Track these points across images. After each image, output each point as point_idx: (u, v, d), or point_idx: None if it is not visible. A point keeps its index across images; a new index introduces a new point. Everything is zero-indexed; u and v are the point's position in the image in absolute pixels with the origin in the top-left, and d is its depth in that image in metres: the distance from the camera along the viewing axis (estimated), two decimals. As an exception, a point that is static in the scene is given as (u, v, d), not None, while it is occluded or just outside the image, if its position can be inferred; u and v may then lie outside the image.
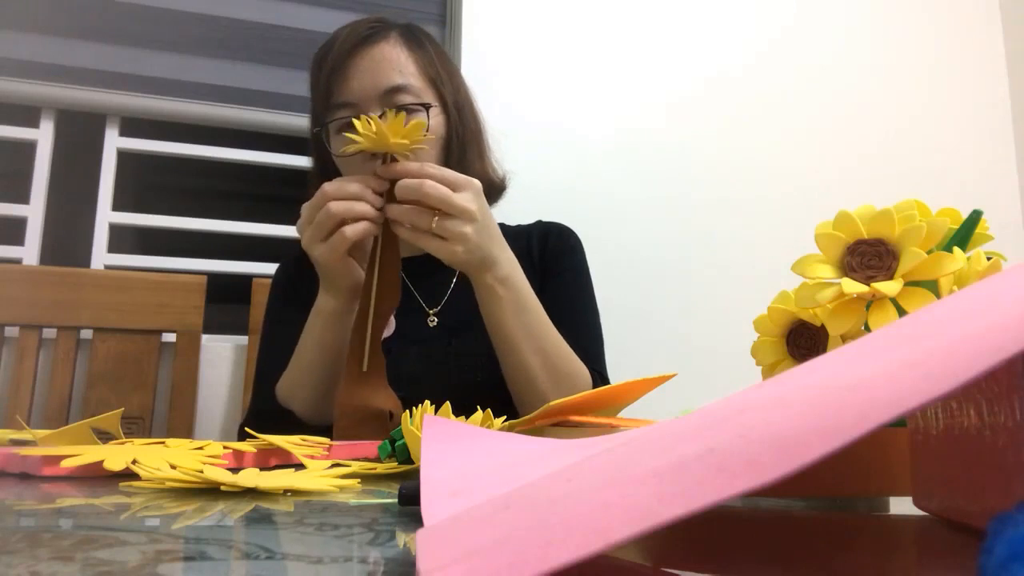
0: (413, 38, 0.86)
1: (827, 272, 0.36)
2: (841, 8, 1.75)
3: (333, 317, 0.72)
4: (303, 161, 0.95)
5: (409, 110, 0.82)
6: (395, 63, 0.82)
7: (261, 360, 0.91)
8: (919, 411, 0.23)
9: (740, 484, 0.11)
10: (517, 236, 0.91)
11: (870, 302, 0.35)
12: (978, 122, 1.80)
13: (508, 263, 0.72)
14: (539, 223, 0.98)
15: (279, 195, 1.50)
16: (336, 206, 0.66)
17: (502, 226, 0.94)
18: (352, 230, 0.66)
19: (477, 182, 0.69)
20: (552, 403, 0.45)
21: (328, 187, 0.67)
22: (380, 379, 0.68)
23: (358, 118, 0.80)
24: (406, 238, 0.67)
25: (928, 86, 1.78)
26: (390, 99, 0.81)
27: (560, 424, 0.44)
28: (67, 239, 1.36)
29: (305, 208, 0.69)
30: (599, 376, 0.82)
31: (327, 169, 0.88)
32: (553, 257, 0.92)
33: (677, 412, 0.29)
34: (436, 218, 0.65)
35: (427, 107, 0.81)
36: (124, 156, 1.34)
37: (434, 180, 0.66)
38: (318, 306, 0.74)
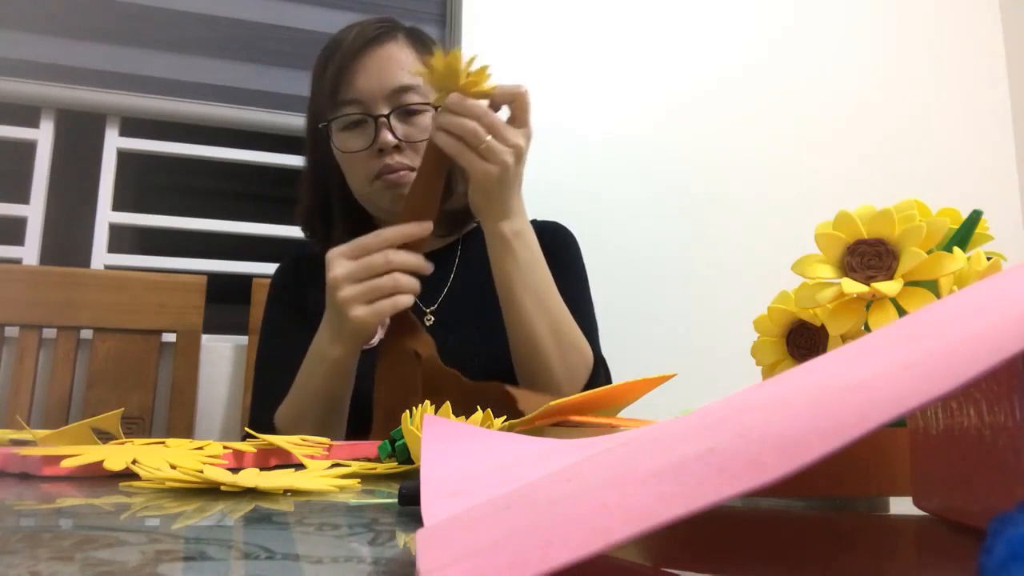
0: (419, 40, 0.86)
1: (827, 272, 0.36)
2: (841, 9, 1.75)
3: (340, 366, 0.69)
4: (302, 161, 0.95)
5: (416, 111, 0.82)
6: (403, 63, 0.82)
7: (259, 373, 0.91)
8: (919, 411, 0.23)
9: (740, 484, 0.11)
10: None
11: (870, 302, 0.35)
12: (978, 122, 1.80)
13: (523, 220, 0.73)
14: (534, 222, 0.98)
15: (279, 195, 1.50)
16: (404, 280, 0.65)
17: None
18: (405, 300, 0.65)
19: (531, 130, 0.70)
20: (552, 403, 0.45)
21: (395, 255, 0.65)
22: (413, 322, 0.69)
23: (368, 115, 0.81)
24: (447, 147, 0.66)
25: (928, 86, 1.78)
26: (397, 99, 0.81)
27: (560, 424, 0.44)
28: (67, 239, 1.35)
29: (359, 260, 0.65)
30: (601, 362, 0.82)
31: (324, 167, 0.88)
32: (549, 254, 0.92)
33: (677, 412, 0.29)
34: (490, 138, 0.65)
35: (436, 108, 0.82)
36: (124, 156, 1.34)
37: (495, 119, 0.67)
38: (322, 352, 0.69)
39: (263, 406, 0.85)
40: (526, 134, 0.69)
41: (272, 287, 0.97)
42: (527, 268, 0.72)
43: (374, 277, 0.65)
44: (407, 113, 0.82)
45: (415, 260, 0.66)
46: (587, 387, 0.77)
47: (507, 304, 0.73)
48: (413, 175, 0.83)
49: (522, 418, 0.47)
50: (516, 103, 0.68)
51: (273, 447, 0.42)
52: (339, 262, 0.66)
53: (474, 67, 0.65)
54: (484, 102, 0.66)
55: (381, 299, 0.64)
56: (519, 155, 0.68)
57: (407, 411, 0.44)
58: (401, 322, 0.68)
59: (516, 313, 0.72)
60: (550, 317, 0.73)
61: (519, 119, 0.68)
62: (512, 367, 0.78)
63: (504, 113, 0.68)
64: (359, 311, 0.64)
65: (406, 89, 0.81)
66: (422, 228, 0.67)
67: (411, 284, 0.66)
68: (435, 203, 0.69)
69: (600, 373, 0.79)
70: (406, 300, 0.65)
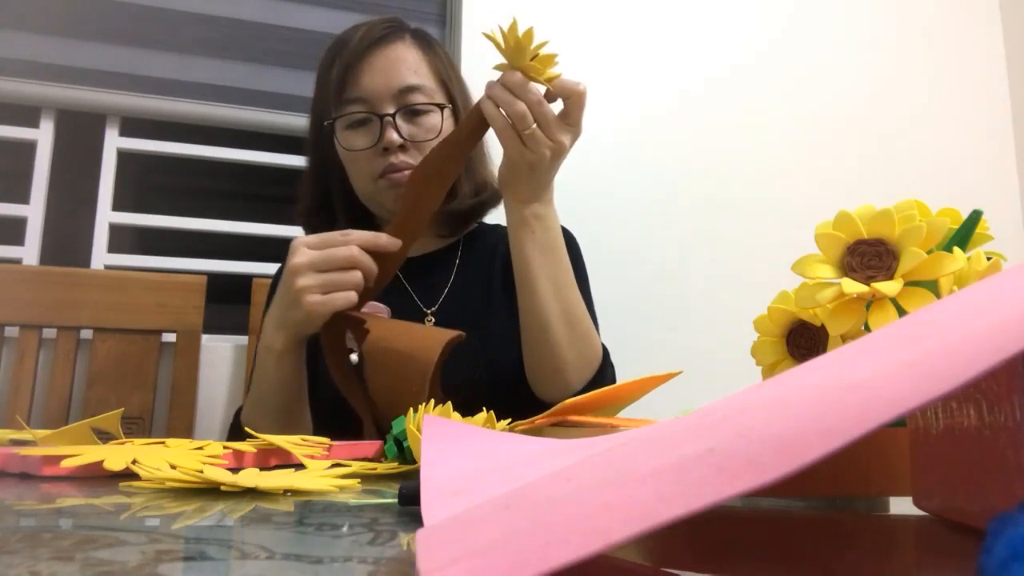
0: (425, 41, 0.87)
1: (827, 272, 0.36)
2: (841, 8, 1.75)
3: (284, 359, 0.69)
4: (303, 161, 0.95)
5: (423, 111, 0.82)
6: (410, 63, 0.82)
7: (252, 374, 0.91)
8: (919, 411, 0.23)
9: (740, 484, 0.11)
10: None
11: (870, 302, 0.35)
12: (978, 122, 1.80)
13: (550, 208, 0.73)
14: None
15: (279, 195, 1.50)
16: (359, 279, 0.64)
17: (498, 227, 0.94)
18: (354, 298, 0.64)
19: (580, 129, 0.71)
20: (557, 405, 0.45)
21: (360, 254, 0.64)
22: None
23: (374, 114, 0.80)
24: (493, 119, 0.65)
25: (928, 86, 1.78)
26: (404, 98, 0.81)
27: (560, 424, 0.44)
28: (67, 239, 1.35)
29: (322, 251, 0.65)
30: (606, 354, 0.82)
31: (326, 166, 0.88)
32: None
33: (677, 412, 0.29)
34: (535, 126, 0.65)
35: (442, 108, 0.82)
36: (124, 156, 1.34)
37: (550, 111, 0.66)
38: (267, 342, 0.69)
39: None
40: (574, 133, 0.69)
41: (271, 289, 0.97)
42: (546, 251, 0.72)
43: (335, 271, 0.64)
44: (412, 113, 0.82)
45: (374, 266, 0.65)
46: (596, 377, 0.77)
47: (522, 285, 0.73)
48: None
49: (523, 420, 0.47)
50: (572, 99, 0.67)
51: (273, 447, 0.42)
52: (303, 251, 0.65)
53: (545, 51, 0.64)
54: (542, 89, 0.65)
55: (336, 292, 0.64)
56: (559, 152, 0.68)
57: (408, 411, 0.44)
58: (339, 322, 0.67)
59: (531, 297, 0.72)
60: (564, 304, 0.73)
61: (572, 116, 0.68)
62: (514, 368, 0.78)
63: (557, 106, 0.67)
64: (313, 299, 0.64)
65: (412, 89, 0.81)
66: (391, 243, 0.65)
67: (359, 284, 0.65)
68: (454, 172, 0.68)
69: (608, 367, 0.80)
70: (354, 298, 0.65)
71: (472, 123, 0.67)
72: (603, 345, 0.83)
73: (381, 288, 0.67)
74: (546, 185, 0.71)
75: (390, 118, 0.80)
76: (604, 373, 0.78)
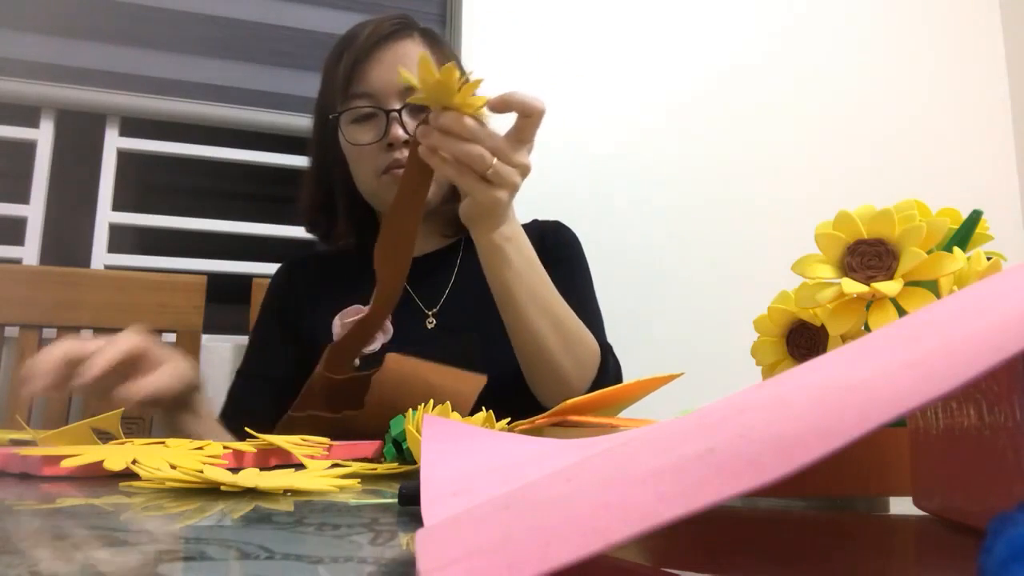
0: (433, 39, 0.87)
1: (827, 272, 0.36)
2: (841, 9, 1.75)
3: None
4: (303, 161, 0.95)
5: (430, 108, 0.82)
6: (417, 60, 0.82)
7: (234, 381, 0.91)
8: (919, 411, 0.23)
9: (740, 484, 0.11)
10: None
11: (870, 302, 0.35)
12: (978, 122, 1.80)
13: (513, 222, 0.70)
14: (534, 222, 0.98)
15: (279, 195, 1.50)
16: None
17: None
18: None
19: (534, 144, 0.66)
20: (558, 405, 0.45)
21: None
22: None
23: (380, 109, 0.80)
24: (445, 172, 0.61)
25: (928, 86, 1.78)
26: (409, 95, 0.81)
27: (560, 424, 0.44)
28: (67, 239, 1.35)
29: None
30: (608, 350, 0.82)
31: (329, 161, 0.88)
32: (550, 254, 0.92)
33: (677, 412, 0.29)
34: (496, 161, 0.60)
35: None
36: (124, 156, 1.34)
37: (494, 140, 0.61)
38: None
39: (225, 415, 0.86)
40: (530, 149, 0.65)
41: (266, 292, 0.97)
42: (524, 272, 0.70)
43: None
44: (419, 109, 0.82)
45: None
46: (598, 376, 0.76)
47: (507, 310, 0.71)
48: None
49: (523, 421, 0.47)
50: (533, 118, 0.62)
51: (273, 447, 0.42)
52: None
53: (473, 77, 0.58)
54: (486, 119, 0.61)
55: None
56: (526, 173, 0.64)
57: (408, 412, 0.44)
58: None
59: (517, 318, 0.71)
60: (552, 316, 0.72)
61: (528, 133, 0.63)
62: (515, 368, 0.78)
63: (499, 120, 0.62)
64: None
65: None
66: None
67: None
68: (418, 218, 0.65)
69: (609, 362, 0.79)
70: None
71: (414, 177, 0.63)
72: (604, 341, 0.83)
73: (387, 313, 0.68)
74: (510, 206, 0.68)
75: (396, 114, 0.80)
76: (605, 370, 0.77)
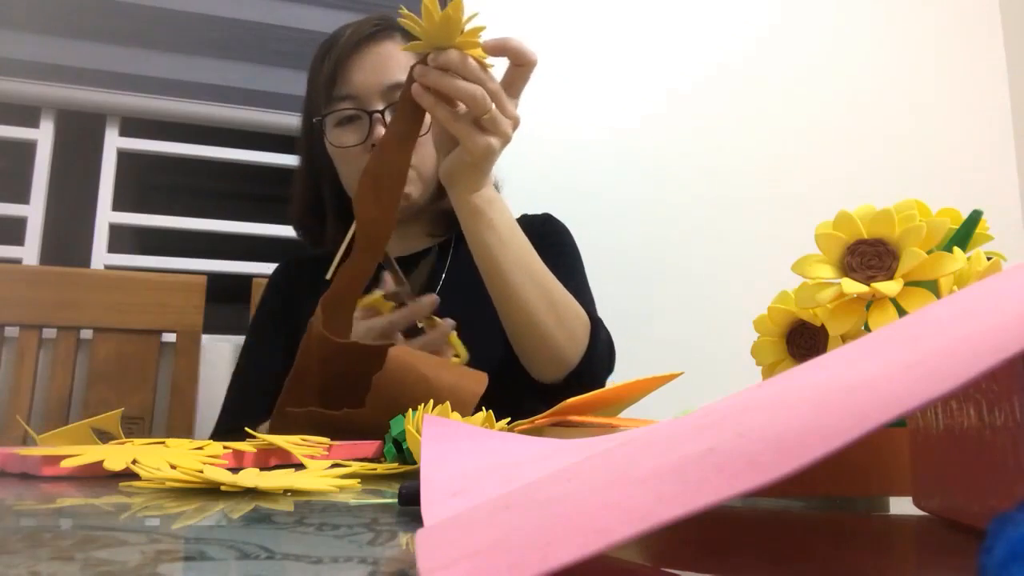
0: (416, 38, 0.86)
1: (827, 272, 0.36)
2: (841, 8, 1.75)
3: None
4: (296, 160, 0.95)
5: None
6: (399, 60, 0.82)
7: (233, 379, 0.91)
8: (919, 411, 0.23)
9: (740, 484, 0.11)
10: None
11: (870, 302, 0.35)
12: (978, 122, 1.80)
13: (491, 185, 0.68)
14: (524, 217, 0.98)
15: (279, 195, 1.50)
16: None
17: None
18: None
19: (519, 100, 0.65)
20: (557, 406, 0.45)
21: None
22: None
23: (363, 111, 0.80)
24: (438, 115, 0.59)
25: (928, 86, 1.78)
26: (392, 95, 0.81)
27: (560, 424, 0.44)
28: (67, 239, 1.35)
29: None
30: (599, 323, 0.80)
31: (317, 164, 0.88)
32: (539, 241, 0.92)
33: (677, 412, 0.29)
34: (494, 107, 0.58)
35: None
36: (124, 156, 1.34)
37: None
38: None
39: (228, 413, 0.86)
40: (517, 104, 0.63)
41: (265, 289, 0.97)
42: (507, 237, 0.68)
43: None
44: None
45: None
46: (589, 347, 0.75)
47: (494, 279, 0.69)
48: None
49: (523, 420, 0.47)
50: (524, 68, 0.61)
51: (273, 447, 0.42)
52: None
53: (470, 25, 0.56)
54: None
55: None
56: (516, 126, 0.62)
57: (408, 411, 0.44)
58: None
59: (505, 286, 0.68)
60: (539, 284, 0.70)
61: (519, 86, 0.62)
62: (507, 367, 0.78)
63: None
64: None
65: (401, 85, 0.81)
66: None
67: None
68: (406, 160, 0.62)
69: (600, 332, 0.77)
70: None
71: (403, 122, 0.61)
72: (594, 314, 0.82)
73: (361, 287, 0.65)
74: (493, 165, 0.65)
75: (379, 115, 0.80)
76: (596, 340, 0.76)
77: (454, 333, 0.67)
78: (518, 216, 0.98)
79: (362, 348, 0.62)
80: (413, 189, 0.85)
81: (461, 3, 0.54)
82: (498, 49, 0.59)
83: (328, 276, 0.64)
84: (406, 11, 0.55)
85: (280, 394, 0.65)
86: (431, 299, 0.66)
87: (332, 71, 0.81)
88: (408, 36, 0.85)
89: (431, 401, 0.48)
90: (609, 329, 0.89)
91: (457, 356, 0.70)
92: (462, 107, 0.59)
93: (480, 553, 0.12)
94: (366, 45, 0.82)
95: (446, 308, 0.88)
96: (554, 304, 0.71)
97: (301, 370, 0.65)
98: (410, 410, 0.43)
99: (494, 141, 0.60)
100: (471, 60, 0.56)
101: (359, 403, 0.57)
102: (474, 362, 0.76)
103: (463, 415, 0.49)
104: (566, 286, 0.77)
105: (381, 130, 0.79)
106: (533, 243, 0.94)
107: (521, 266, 0.69)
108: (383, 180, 0.62)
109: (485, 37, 0.58)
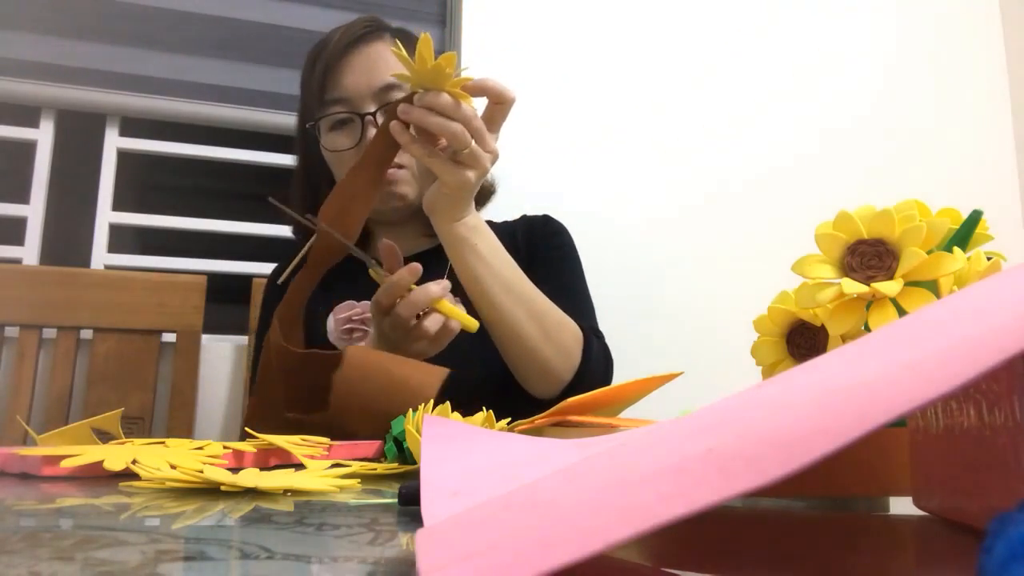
0: (406, 39, 0.86)
1: (827, 272, 0.36)
2: (841, 8, 1.75)
3: None
4: (294, 163, 0.95)
5: None
6: (389, 62, 0.82)
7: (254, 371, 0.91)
8: (919, 411, 0.23)
9: (740, 484, 0.11)
10: (503, 232, 0.91)
11: (870, 302, 0.35)
12: (978, 122, 1.80)
13: (473, 211, 0.69)
14: (524, 218, 0.98)
15: (279, 195, 1.50)
16: None
17: (490, 223, 0.95)
18: None
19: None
20: (556, 405, 0.45)
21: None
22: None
23: (355, 114, 0.80)
24: (415, 152, 0.61)
25: (928, 86, 1.78)
26: (384, 96, 0.81)
27: (560, 424, 0.44)
28: (67, 239, 1.35)
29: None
30: (592, 331, 0.81)
31: (313, 167, 0.89)
32: (539, 244, 0.92)
33: (677, 412, 0.29)
34: (473, 143, 0.61)
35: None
36: (124, 156, 1.34)
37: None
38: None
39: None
40: (496, 137, 0.65)
41: (265, 290, 0.97)
42: (492, 261, 0.69)
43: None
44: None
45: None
46: (582, 362, 0.75)
47: (481, 302, 0.70)
48: (401, 172, 0.83)
49: (522, 420, 0.47)
50: (504, 106, 0.63)
51: (273, 447, 0.42)
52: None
53: (461, 72, 0.60)
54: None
55: None
56: (495, 160, 0.64)
57: (408, 411, 0.44)
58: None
59: (492, 308, 0.70)
60: (526, 303, 0.71)
61: (498, 122, 0.64)
62: (509, 374, 0.78)
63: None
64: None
65: (393, 87, 0.81)
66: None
67: None
68: (375, 191, 0.64)
69: (593, 346, 0.78)
70: None
71: (380, 151, 0.63)
72: (591, 325, 0.82)
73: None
74: (472, 196, 0.67)
75: (371, 117, 0.80)
76: (589, 356, 0.76)
77: (446, 301, 0.66)
78: (518, 217, 0.98)
79: (320, 355, 0.63)
80: (408, 189, 0.86)
81: (454, 57, 0.57)
82: (478, 89, 0.61)
83: (279, 282, 0.65)
84: (400, 49, 0.58)
85: (248, 409, 0.66)
86: (413, 268, 0.66)
87: (323, 75, 0.81)
88: (400, 37, 0.85)
89: (398, 396, 0.48)
90: (609, 329, 0.90)
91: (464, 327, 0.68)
92: (443, 142, 0.61)
93: (480, 553, 0.12)
94: (356, 47, 0.82)
95: None
96: (542, 322, 0.72)
97: (264, 383, 0.66)
98: (410, 410, 0.43)
99: (470, 174, 0.63)
100: (453, 100, 0.59)
101: (324, 405, 0.58)
102: (474, 363, 0.76)
103: (427, 407, 0.49)
104: (563, 293, 0.77)
105: (373, 132, 0.79)
106: (532, 245, 0.94)
107: (507, 288, 0.70)
108: (351, 202, 0.64)
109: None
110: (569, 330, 0.75)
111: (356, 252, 0.65)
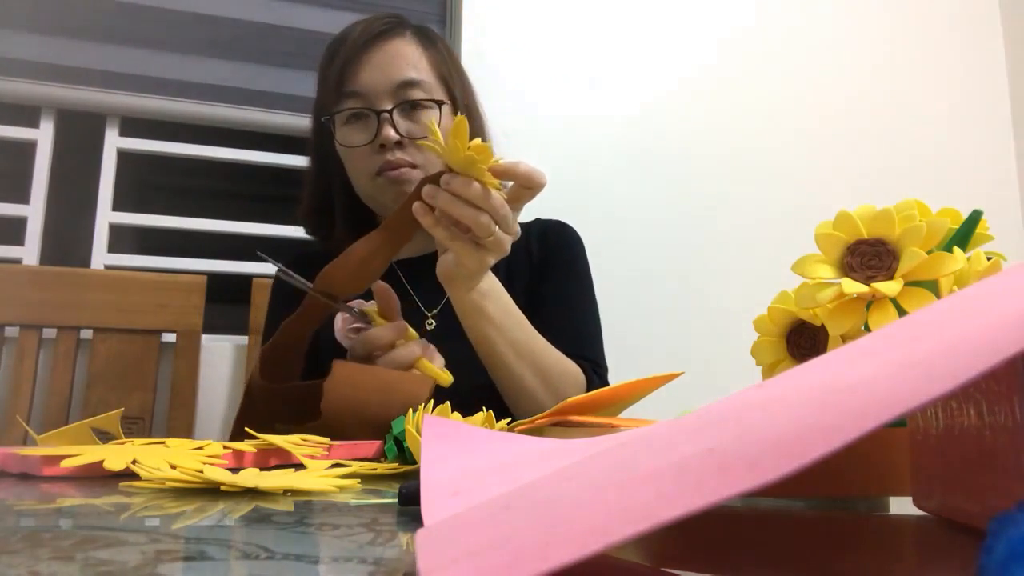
0: (426, 37, 0.86)
1: (827, 272, 0.36)
2: (841, 8, 1.75)
3: None
4: (303, 161, 0.95)
5: (422, 106, 0.82)
6: (409, 59, 0.82)
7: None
8: (919, 411, 0.23)
9: (740, 484, 0.11)
10: None
11: (870, 302, 0.35)
12: (978, 122, 1.80)
13: (488, 277, 0.69)
14: (537, 221, 0.98)
15: (279, 195, 1.50)
16: None
17: None
18: None
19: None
20: (556, 405, 0.45)
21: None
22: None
23: (371, 110, 0.80)
24: (439, 235, 0.61)
25: (928, 86, 1.78)
26: (402, 93, 0.80)
27: (560, 424, 0.44)
28: (67, 239, 1.35)
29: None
30: (594, 366, 0.81)
31: (327, 163, 0.88)
32: (552, 254, 0.92)
33: (677, 412, 0.29)
34: (496, 227, 0.60)
35: (440, 104, 0.81)
36: (124, 156, 1.34)
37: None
38: None
39: None
40: (518, 213, 0.64)
41: (272, 291, 0.97)
42: (503, 324, 0.70)
43: None
44: (411, 108, 0.81)
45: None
46: None
47: (488, 359, 0.72)
48: (415, 172, 0.83)
49: (523, 420, 0.47)
50: (534, 190, 0.61)
51: (273, 447, 0.42)
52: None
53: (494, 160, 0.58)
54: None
55: None
56: (516, 239, 0.64)
57: (408, 412, 0.44)
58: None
59: (498, 366, 0.72)
60: (531, 359, 0.72)
61: (521, 203, 0.62)
62: None
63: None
64: None
65: (410, 84, 0.80)
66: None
67: None
68: (386, 261, 0.64)
69: (594, 386, 0.79)
70: None
71: (401, 224, 0.62)
72: (594, 357, 0.83)
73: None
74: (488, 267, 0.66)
75: (387, 114, 0.79)
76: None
77: (425, 360, 0.66)
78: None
79: (301, 387, 0.64)
80: None
81: (488, 149, 0.56)
82: (508, 174, 0.60)
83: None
84: (433, 142, 0.57)
85: (239, 411, 0.67)
86: (400, 328, 0.66)
87: (341, 69, 0.81)
88: (419, 36, 0.85)
89: (430, 402, 0.48)
90: (609, 329, 0.90)
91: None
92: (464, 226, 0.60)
93: (480, 553, 0.12)
94: (375, 43, 0.82)
95: (455, 314, 0.88)
96: (546, 376, 0.74)
97: (246, 408, 0.68)
98: (410, 410, 0.43)
99: (489, 258, 0.62)
100: (482, 190, 0.58)
101: (315, 416, 0.58)
102: (480, 369, 0.75)
103: (424, 405, 0.50)
104: (570, 315, 0.78)
105: (389, 130, 0.79)
106: (545, 251, 0.94)
107: (515, 347, 0.71)
108: (365, 268, 0.64)
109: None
110: (571, 378, 0.77)
111: (347, 309, 0.66)
